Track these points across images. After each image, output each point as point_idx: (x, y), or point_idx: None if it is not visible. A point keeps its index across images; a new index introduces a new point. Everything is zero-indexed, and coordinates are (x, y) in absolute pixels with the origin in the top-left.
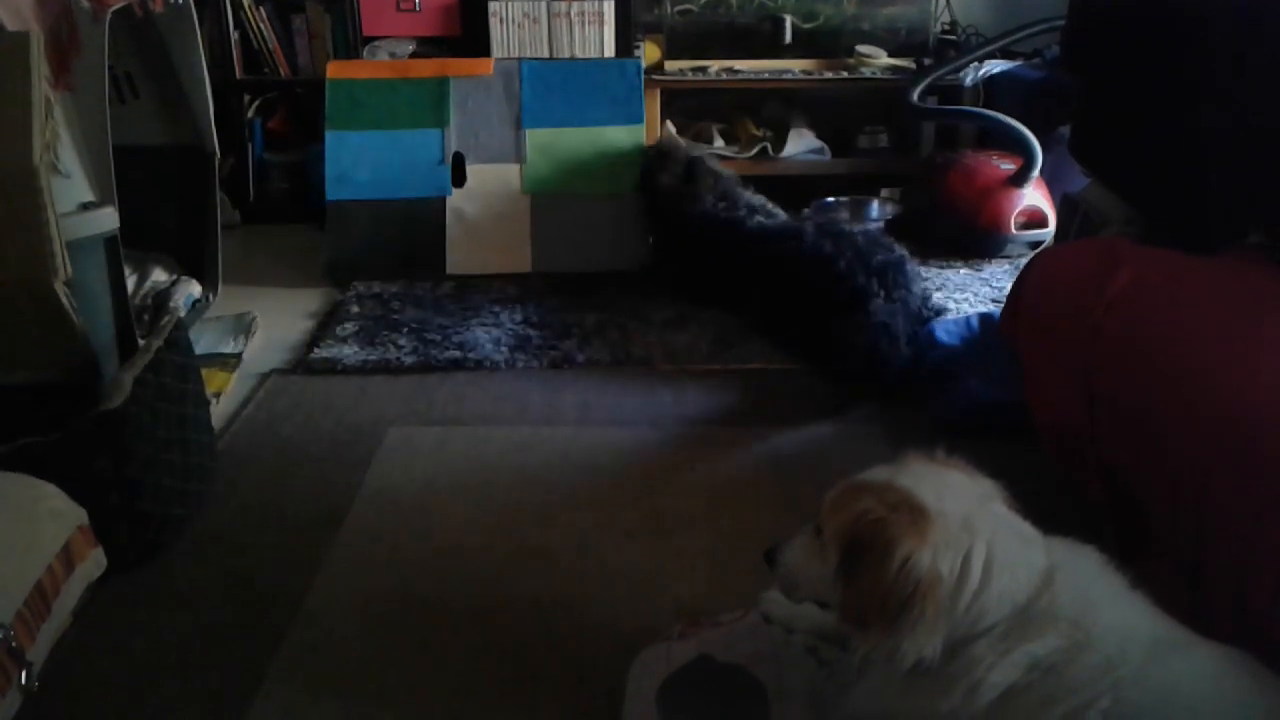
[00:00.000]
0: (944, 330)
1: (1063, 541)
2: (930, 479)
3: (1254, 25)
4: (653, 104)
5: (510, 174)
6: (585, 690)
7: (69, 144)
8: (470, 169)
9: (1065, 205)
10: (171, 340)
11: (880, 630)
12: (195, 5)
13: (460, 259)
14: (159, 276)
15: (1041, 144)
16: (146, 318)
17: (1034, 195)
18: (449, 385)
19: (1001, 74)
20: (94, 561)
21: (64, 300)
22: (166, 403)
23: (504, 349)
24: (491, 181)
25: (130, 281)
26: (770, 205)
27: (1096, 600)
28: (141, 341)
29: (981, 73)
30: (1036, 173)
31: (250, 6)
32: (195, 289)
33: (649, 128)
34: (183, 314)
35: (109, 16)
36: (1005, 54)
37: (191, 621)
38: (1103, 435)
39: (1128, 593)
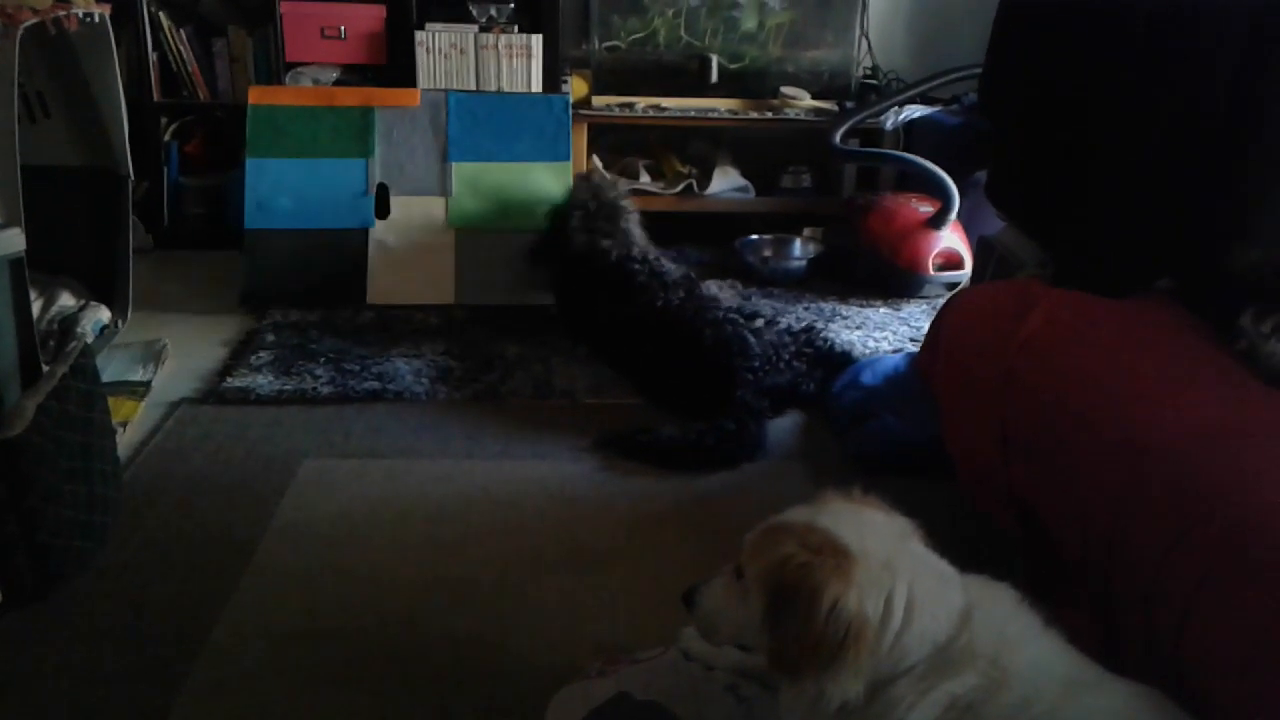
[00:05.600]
0: (870, 373)
1: (978, 579)
2: (850, 518)
3: (1159, 74)
4: (580, 138)
5: (435, 206)
6: None
7: None
8: (394, 200)
9: (981, 247)
10: (77, 367)
11: (812, 676)
12: (113, 25)
13: (382, 290)
14: (66, 301)
15: (959, 188)
16: (52, 343)
17: (951, 237)
18: (367, 417)
19: (921, 119)
20: None
21: None
22: (70, 431)
23: (425, 380)
24: (416, 214)
25: (36, 305)
26: (672, 267)
27: (1013, 638)
28: (46, 368)
29: (902, 117)
30: (954, 215)
31: (170, 28)
32: (104, 314)
33: (575, 162)
34: (90, 340)
35: (20, 33)
36: (925, 99)
37: (91, 659)
38: (1015, 472)
39: (1042, 631)
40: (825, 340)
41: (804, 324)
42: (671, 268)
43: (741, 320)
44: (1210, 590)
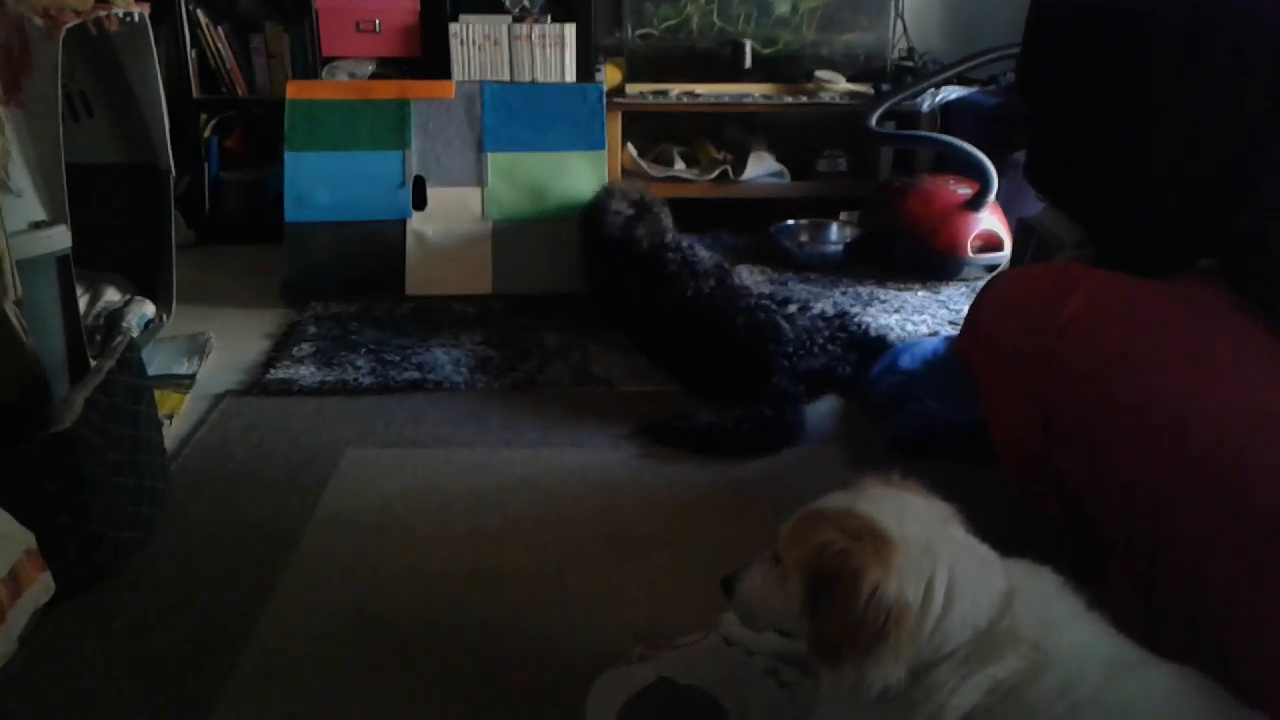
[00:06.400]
0: (908, 357)
1: (1019, 563)
2: (889, 504)
3: (1202, 57)
4: (614, 126)
5: (471, 197)
6: (544, 714)
7: (20, 161)
8: (431, 192)
9: (1020, 229)
10: (124, 361)
11: (853, 662)
12: (152, 23)
13: (420, 281)
14: (112, 296)
15: (997, 169)
16: (99, 338)
17: (990, 219)
18: (407, 406)
19: (958, 100)
20: (42, 586)
21: (14, 320)
22: (118, 424)
23: (464, 370)
24: (452, 204)
25: (82, 301)
26: (708, 257)
27: (1054, 622)
28: (93, 362)
29: (938, 99)
30: (992, 197)
31: (207, 25)
32: (149, 309)
33: (610, 150)
34: (135, 334)
35: (63, 34)
36: (961, 80)
37: (142, 648)
38: (1058, 455)
39: (1085, 614)
40: (859, 324)
41: (838, 309)
42: (704, 256)
43: (774, 306)
44: (1256, 575)
